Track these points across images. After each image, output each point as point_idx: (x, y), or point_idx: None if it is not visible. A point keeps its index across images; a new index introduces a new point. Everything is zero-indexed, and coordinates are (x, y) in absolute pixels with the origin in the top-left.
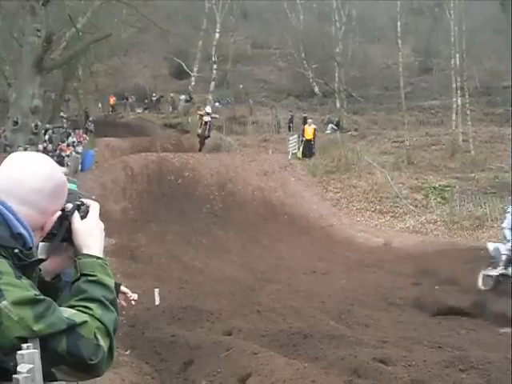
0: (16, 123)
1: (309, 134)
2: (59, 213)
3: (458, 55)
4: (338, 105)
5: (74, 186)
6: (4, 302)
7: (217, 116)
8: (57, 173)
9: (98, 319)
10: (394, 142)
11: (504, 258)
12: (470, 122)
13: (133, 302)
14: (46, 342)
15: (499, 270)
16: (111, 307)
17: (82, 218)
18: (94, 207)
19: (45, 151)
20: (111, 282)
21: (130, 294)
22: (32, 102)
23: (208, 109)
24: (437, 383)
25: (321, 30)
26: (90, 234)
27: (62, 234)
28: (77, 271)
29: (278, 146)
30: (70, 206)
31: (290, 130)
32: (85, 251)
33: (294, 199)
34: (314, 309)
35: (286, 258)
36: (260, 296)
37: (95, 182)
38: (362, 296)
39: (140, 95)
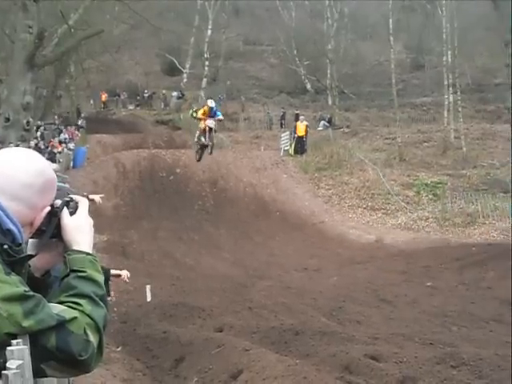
0: (7, 120)
1: (301, 131)
2: (48, 208)
3: (449, 52)
4: (329, 102)
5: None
6: None
7: (222, 118)
8: (47, 168)
9: (87, 315)
10: (386, 138)
11: None
12: (461, 119)
13: (127, 280)
14: (35, 338)
15: None
16: (101, 303)
17: (72, 214)
18: (83, 203)
19: (36, 148)
20: (101, 278)
21: (121, 274)
22: (24, 99)
23: (211, 102)
24: (428, 379)
25: (313, 26)
26: (80, 230)
27: (51, 230)
28: (66, 267)
29: (270, 143)
30: (58, 202)
31: (281, 126)
32: (74, 247)
33: (286, 196)
34: (306, 305)
35: (278, 254)
36: (252, 293)
37: (87, 179)
38: (353, 293)
39: (132, 92)
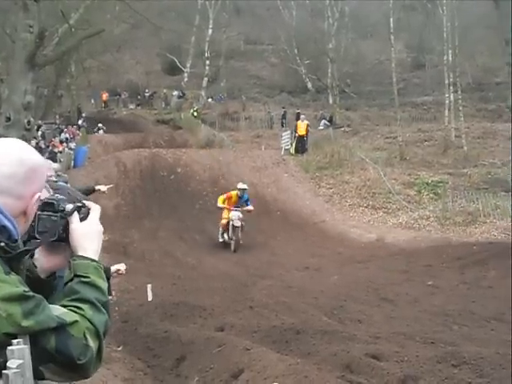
0: (8, 119)
1: (302, 130)
2: (38, 194)
3: (450, 51)
4: (330, 101)
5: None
6: None
7: (251, 208)
8: (28, 155)
9: (88, 320)
10: (387, 137)
11: None
12: (462, 118)
13: (123, 271)
14: (35, 340)
15: None
16: (103, 309)
17: (82, 219)
18: (95, 210)
19: (37, 147)
20: (104, 285)
21: (120, 268)
22: (24, 98)
23: (242, 185)
24: (429, 378)
25: (313, 25)
26: (87, 237)
27: (54, 231)
28: (71, 272)
29: (271, 142)
30: (70, 206)
31: (282, 125)
32: (80, 253)
33: (287, 195)
34: (307, 304)
35: (279, 253)
36: (253, 292)
37: (88, 178)
38: (354, 292)
39: (133, 91)
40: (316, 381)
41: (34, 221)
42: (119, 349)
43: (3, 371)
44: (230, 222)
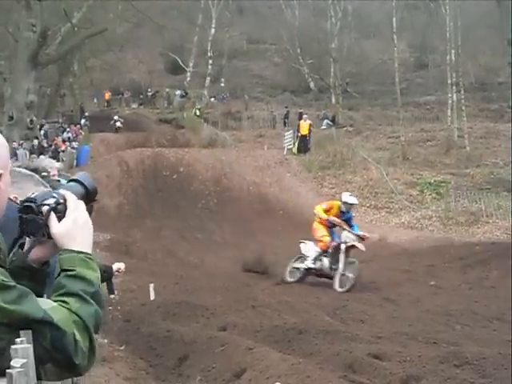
0: (11, 118)
1: (304, 130)
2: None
3: (453, 51)
4: (333, 100)
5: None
6: None
7: (365, 235)
8: None
9: (74, 313)
10: (390, 137)
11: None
12: (465, 118)
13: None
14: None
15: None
16: (91, 301)
17: (60, 218)
18: (71, 201)
19: (40, 146)
20: (93, 276)
21: (120, 267)
22: (27, 97)
23: (351, 198)
24: (431, 378)
25: (316, 25)
26: (70, 234)
27: (41, 232)
28: (59, 267)
29: (274, 142)
30: (45, 209)
31: (285, 125)
32: (66, 247)
33: (290, 195)
34: (309, 304)
35: (281, 253)
36: (255, 291)
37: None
38: (356, 291)
39: (135, 90)
40: (318, 380)
41: (20, 223)
42: (121, 348)
43: (7, 370)
44: (341, 246)
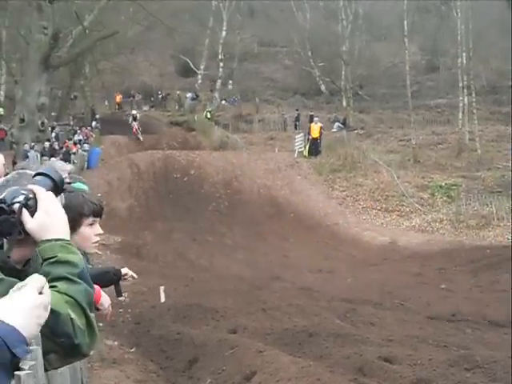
0: (22, 120)
1: (315, 133)
2: None
3: (464, 54)
4: (344, 103)
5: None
6: None
7: None
8: None
9: (64, 293)
10: (401, 140)
11: None
12: (476, 121)
13: (131, 279)
14: None
15: None
16: (78, 280)
17: (33, 213)
18: (40, 194)
19: (51, 148)
20: (75, 258)
21: (130, 273)
22: (38, 100)
23: None
24: (442, 382)
25: (327, 28)
26: (45, 225)
27: (18, 230)
28: (40, 259)
29: (285, 144)
30: (16, 206)
31: (296, 128)
32: (43, 238)
33: (300, 197)
34: (320, 307)
35: (292, 256)
36: (265, 294)
37: (101, 180)
38: (367, 294)
39: (146, 93)
40: (328, 383)
41: None
42: (132, 350)
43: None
44: None
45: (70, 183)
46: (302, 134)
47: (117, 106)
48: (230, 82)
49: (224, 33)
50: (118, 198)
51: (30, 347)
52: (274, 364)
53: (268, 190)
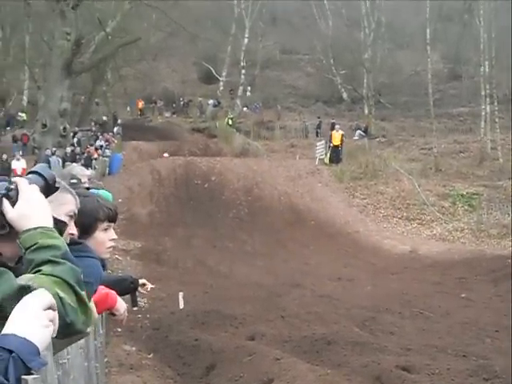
0: (45, 126)
1: (336, 140)
2: None
3: (487, 62)
4: (366, 111)
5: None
6: None
7: None
8: None
9: (50, 275)
10: (422, 148)
11: None
12: (498, 130)
13: (148, 289)
14: None
15: None
16: (62, 261)
17: (14, 203)
18: (22, 184)
19: (73, 154)
20: (56, 242)
21: (148, 284)
22: (61, 105)
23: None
24: None
25: (350, 35)
26: (25, 215)
27: (1, 225)
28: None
29: (306, 152)
30: None
31: (317, 135)
32: (24, 229)
33: (321, 205)
34: (339, 315)
35: (312, 263)
36: (284, 301)
37: (122, 185)
38: (386, 303)
39: (168, 99)
40: None
41: None
42: (149, 356)
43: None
44: None
45: (88, 188)
46: (323, 142)
47: (139, 112)
48: (249, 88)
49: (246, 40)
50: (138, 203)
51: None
52: (292, 372)
53: (289, 198)
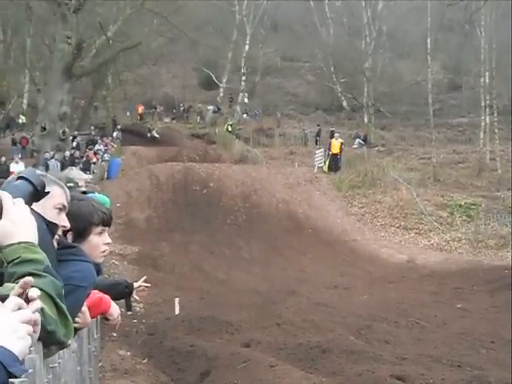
0: (44, 129)
1: (335, 148)
2: None
3: (487, 73)
4: (365, 120)
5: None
6: None
7: None
8: None
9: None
10: (421, 158)
11: None
12: (497, 141)
13: (144, 288)
14: None
15: None
16: (44, 274)
17: None
18: (5, 201)
19: (72, 158)
20: (38, 256)
21: (143, 285)
22: (60, 109)
23: None
24: None
25: (351, 44)
26: (8, 231)
27: None
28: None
29: (305, 159)
30: None
31: (316, 143)
32: (6, 244)
33: (319, 213)
34: (334, 323)
35: (309, 271)
36: (280, 309)
37: (120, 190)
38: (383, 312)
39: (168, 105)
40: None
41: None
42: (144, 361)
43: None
44: None
45: (85, 192)
46: (322, 150)
47: (139, 117)
48: (246, 95)
49: (247, 47)
50: (136, 208)
51: (29, 355)
52: (286, 379)
53: (287, 205)
